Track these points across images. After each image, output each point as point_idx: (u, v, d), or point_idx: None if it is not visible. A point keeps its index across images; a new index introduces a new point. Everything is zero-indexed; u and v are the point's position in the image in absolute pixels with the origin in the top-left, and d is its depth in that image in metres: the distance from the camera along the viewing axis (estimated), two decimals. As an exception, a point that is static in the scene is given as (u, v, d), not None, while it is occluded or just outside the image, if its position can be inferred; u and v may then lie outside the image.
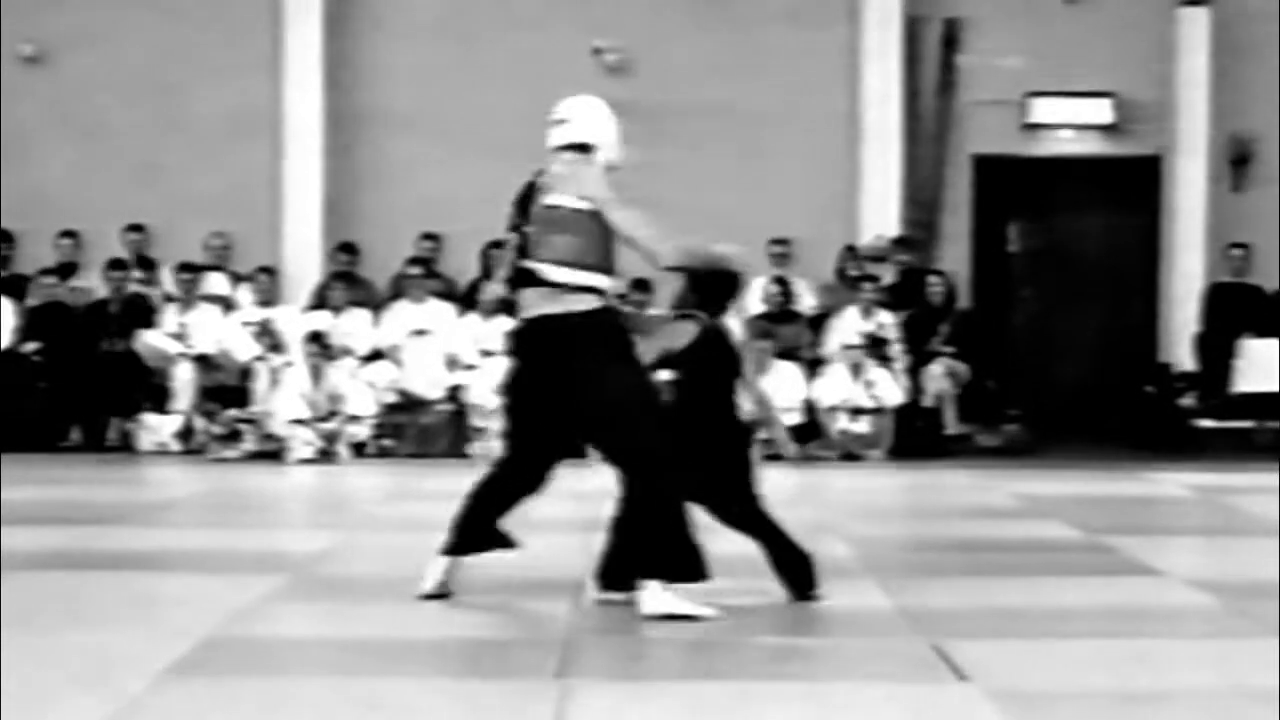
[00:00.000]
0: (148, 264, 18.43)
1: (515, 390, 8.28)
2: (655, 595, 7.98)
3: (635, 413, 8.03)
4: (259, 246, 18.45)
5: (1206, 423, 17.59)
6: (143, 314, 17.64)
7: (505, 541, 8.40)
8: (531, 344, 8.16)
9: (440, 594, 8.39)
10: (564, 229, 8.08)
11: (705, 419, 8.50)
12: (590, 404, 8.03)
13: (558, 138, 8.31)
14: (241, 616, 8.17)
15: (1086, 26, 18.65)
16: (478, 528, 8.38)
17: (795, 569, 8.59)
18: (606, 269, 8.15)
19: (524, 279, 8.15)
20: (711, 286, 8.58)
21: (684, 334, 8.47)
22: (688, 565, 8.11)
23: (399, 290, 18.01)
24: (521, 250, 8.16)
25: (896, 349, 17.30)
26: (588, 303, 8.05)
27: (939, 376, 17.17)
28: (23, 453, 16.04)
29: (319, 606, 8.67)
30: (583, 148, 8.26)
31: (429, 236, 18.44)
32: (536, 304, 8.10)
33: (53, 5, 18.92)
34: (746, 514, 8.60)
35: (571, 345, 8.02)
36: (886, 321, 17.37)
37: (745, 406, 8.69)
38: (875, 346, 17.06)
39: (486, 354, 16.59)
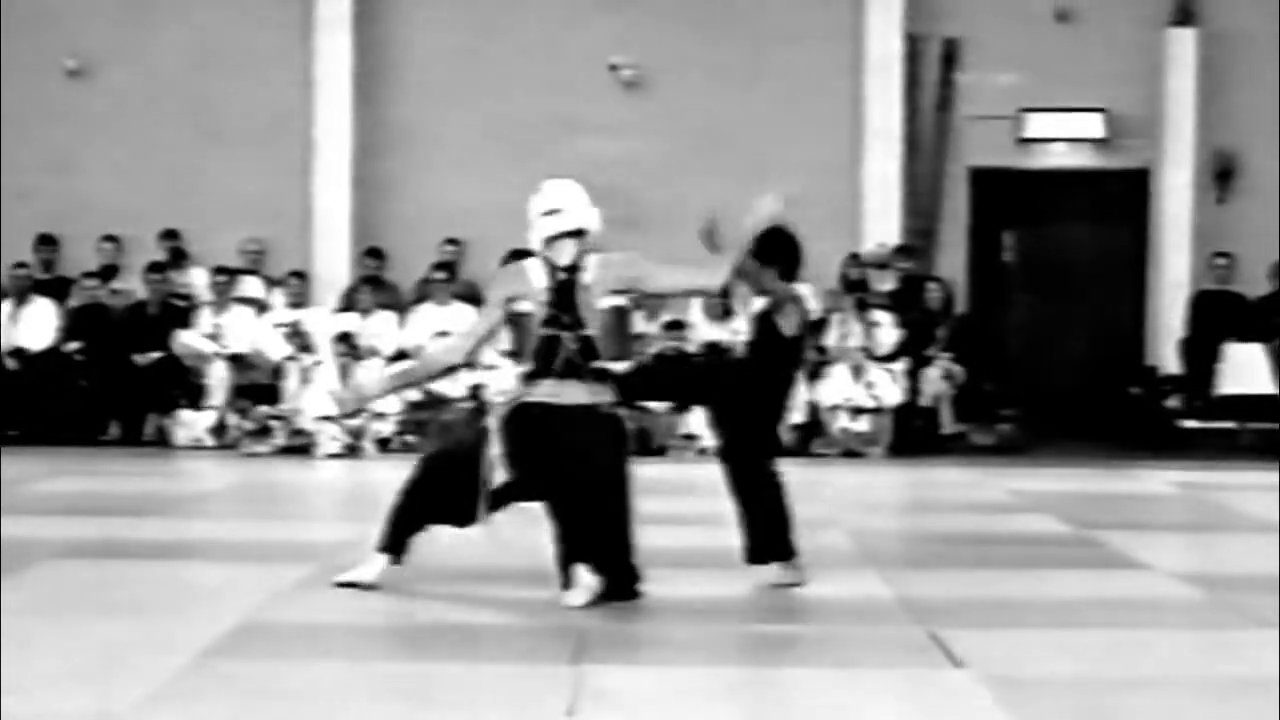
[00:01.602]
0: (181, 255, 18.64)
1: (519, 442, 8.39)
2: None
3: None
4: (291, 251, 18.64)
5: (1191, 423, 17.77)
6: (179, 315, 17.82)
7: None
8: (553, 422, 8.30)
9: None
10: (612, 330, 8.35)
11: (765, 389, 8.84)
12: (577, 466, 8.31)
13: (553, 226, 8.33)
14: (272, 603, 8.28)
15: (1079, 45, 18.80)
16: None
17: (770, 542, 8.81)
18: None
19: (574, 371, 8.30)
20: (776, 253, 8.83)
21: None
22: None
23: (423, 293, 18.20)
24: (585, 348, 8.29)
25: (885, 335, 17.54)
26: (609, 395, 8.38)
27: (936, 378, 17.37)
28: (64, 446, 16.29)
29: (345, 594, 8.62)
30: (578, 233, 8.38)
31: (452, 242, 18.60)
32: (572, 394, 8.28)
33: (95, 21, 19.10)
34: (764, 474, 8.85)
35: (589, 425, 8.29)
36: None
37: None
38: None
39: (506, 354, 16.77)
